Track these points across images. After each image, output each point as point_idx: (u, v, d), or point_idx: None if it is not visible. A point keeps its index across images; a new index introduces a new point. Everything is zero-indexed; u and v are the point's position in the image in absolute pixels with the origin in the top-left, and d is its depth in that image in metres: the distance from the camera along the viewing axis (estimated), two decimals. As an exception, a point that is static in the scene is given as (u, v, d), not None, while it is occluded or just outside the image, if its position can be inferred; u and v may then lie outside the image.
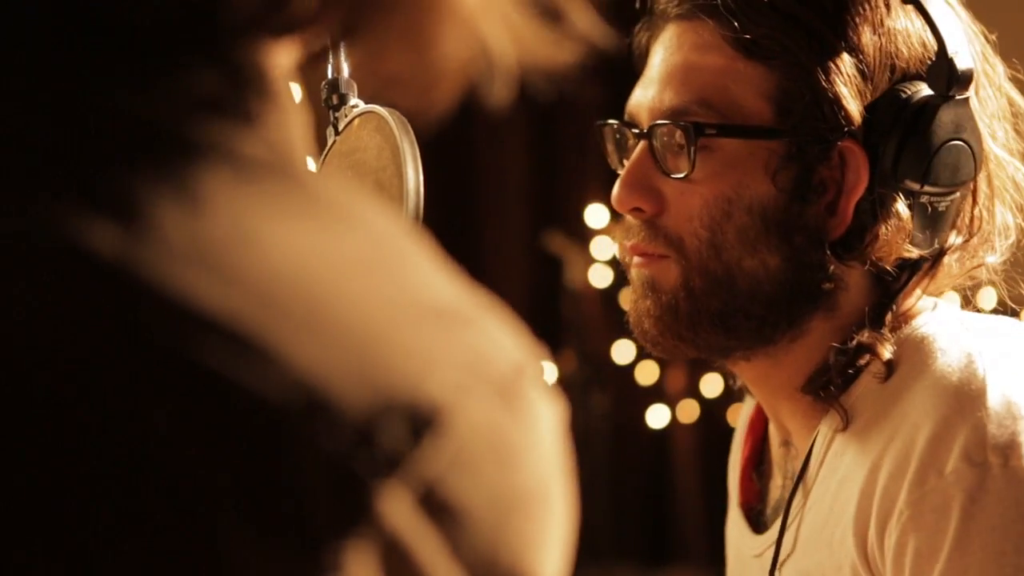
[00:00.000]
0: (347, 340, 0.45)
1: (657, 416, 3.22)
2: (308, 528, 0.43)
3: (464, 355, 0.47)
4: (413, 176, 0.83)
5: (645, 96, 1.19)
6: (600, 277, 3.15)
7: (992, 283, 1.23)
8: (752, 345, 1.18)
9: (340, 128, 0.93)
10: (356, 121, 0.93)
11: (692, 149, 1.14)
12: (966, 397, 1.08)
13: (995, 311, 1.26)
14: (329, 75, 0.94)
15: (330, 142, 0.94)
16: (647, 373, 3.19)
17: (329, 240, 0.47)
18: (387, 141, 0.87)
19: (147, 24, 0.47)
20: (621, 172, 1.20)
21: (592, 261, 3.14)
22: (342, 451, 0.43)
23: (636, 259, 1.19)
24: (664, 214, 1.17)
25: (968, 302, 1.28)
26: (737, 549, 1.31)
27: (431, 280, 0.48)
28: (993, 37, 1.20)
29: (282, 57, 0.51)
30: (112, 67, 0.48)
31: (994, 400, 1.07)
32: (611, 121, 1.22)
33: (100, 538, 0.42)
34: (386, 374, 0.45)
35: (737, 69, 1.15)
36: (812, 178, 1.14)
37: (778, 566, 1.20)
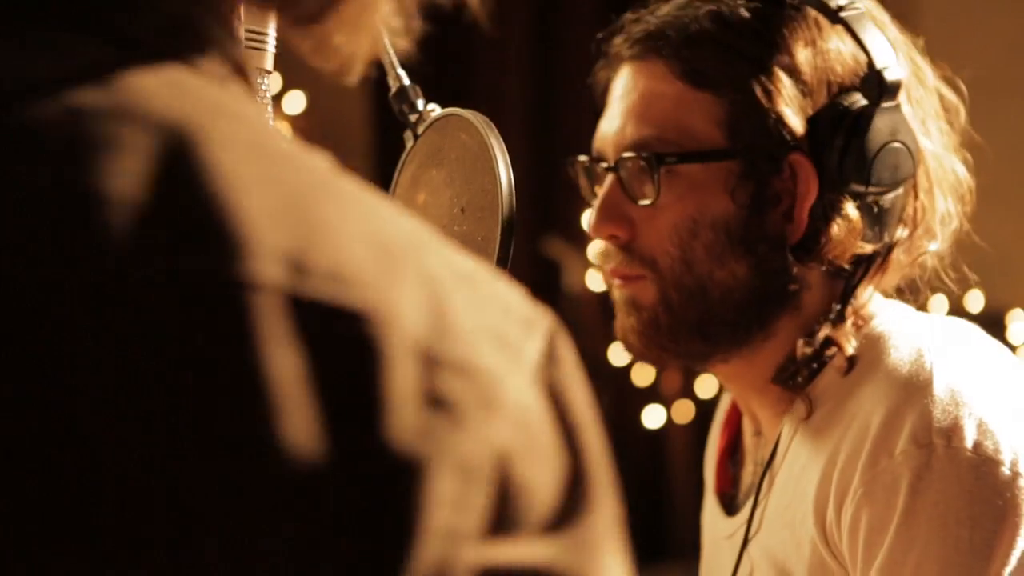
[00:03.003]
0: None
1: (653, 416, 3.25)
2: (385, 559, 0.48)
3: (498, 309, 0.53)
4: (504, 171, 0.89)
5: (609, 131, 1.30)
6: (597, 281, 3.10)
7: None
8: (728, 348, 1.28)
9: (420, 132, 0.99)
10: (436, 124, 0.98)
11: (656, 177, 1.25)
12: (914, 387, 1.19)
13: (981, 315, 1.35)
14: (393, 86, 1.00)
15: (409, 146, 0.99)
16: (643, 374, 3.21)
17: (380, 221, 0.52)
18: (472, 140, 0.92)
19: None
20: (594, 202, 1.31)
21: (589, 265, 3.10)
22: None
23: (616, 281, 1.30)
24: (637, 238, 1.28)
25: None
26: (711, 533, 1.42)
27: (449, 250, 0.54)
28: (920, 42, 1.32)
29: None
30: None
31: (939, 389, 1.18)
32: (581, 157, 1.33)
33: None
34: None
35: (688, 100, 1.26)
36: (767, 191, 1.25)
37: (747, 544, 1.30)
